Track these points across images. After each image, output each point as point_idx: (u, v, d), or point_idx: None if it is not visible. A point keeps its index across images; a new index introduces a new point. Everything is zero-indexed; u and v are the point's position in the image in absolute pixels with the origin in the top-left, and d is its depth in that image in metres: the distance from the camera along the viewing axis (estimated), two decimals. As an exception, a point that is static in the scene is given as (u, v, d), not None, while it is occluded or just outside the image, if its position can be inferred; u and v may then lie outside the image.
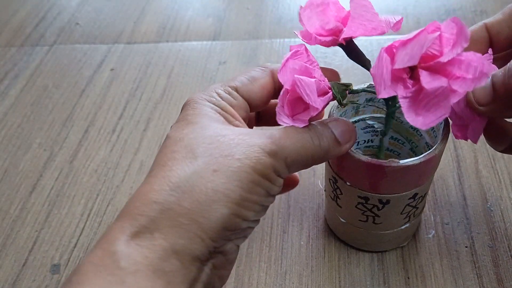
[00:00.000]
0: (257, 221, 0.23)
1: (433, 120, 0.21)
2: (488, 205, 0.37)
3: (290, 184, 0.31)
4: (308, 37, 0.26)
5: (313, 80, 0.23)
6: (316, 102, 0.24)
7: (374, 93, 0.25)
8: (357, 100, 0.32)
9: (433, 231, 0.35)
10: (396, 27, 0.25)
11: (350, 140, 0.25)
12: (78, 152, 0.44)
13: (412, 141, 0.34)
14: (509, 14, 0.28)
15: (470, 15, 0.55)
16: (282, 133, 0.23)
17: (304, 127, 0.24)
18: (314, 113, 0.24)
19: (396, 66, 0.21)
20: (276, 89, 0.27)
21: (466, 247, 0.34)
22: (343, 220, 0.33)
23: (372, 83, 0.25)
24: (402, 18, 0.25)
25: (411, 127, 0.33)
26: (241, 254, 0.35)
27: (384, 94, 0.22)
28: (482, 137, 0.41)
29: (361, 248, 0.35)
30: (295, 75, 0.23)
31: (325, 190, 0.35)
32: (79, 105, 0.49)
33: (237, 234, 0.22)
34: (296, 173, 0.31)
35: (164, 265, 0.19)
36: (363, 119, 0.34)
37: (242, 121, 0.25)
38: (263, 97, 0.27)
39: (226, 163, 0.21)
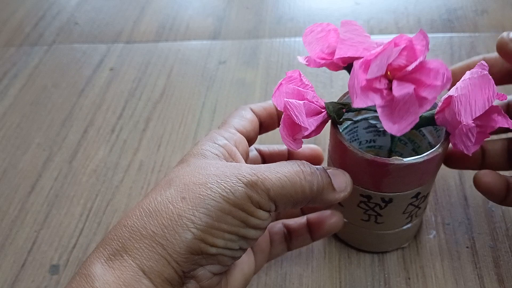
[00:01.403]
0: (237, 251, 0.23)
1: (406, 126, 0.23)
2: (489, 206, 0.37)
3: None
4: (309, 62, 0.28)
5: (301, 102, 0.25)
6: (305, 122, 0.25)
7: (374, 110, 0.27)
8: (354, 117, 0.32)
9: (434, 232, 0.35)
10: None
11: (345, 190, 0.26)
12: (77, 152, 0.44)
13: (414, 141, 0.33)
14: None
15: (471, 15, 0.55)
16: (269, 165, 0.24)
17: (296, 164, 0.24)
18: (305, 132, 0.25)
19: (368, 77, 0.23)
20: (260, 121, 0.30)
21: (467, 247, 0.34)
22: (344, 220, 0.33)
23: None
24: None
25: (414, 127, 0.32)
26: (241, 254, 0.35)
27: (357, 103, 0.23)
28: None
29: (361, 249, 0.35)
30: (285, 99, 0.25)
31: None
32: (78, 105, 0.49)
33: (208, 260, 0.22)
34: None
35: (136, 285, 0.20)
36: (366, 119, 0.34)
37: (240, 157, 0.27)
38: (255, 129, 0.29)
39: (196, 191, 0.22)
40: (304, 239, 0.31)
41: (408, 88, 0.23)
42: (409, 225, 0.32)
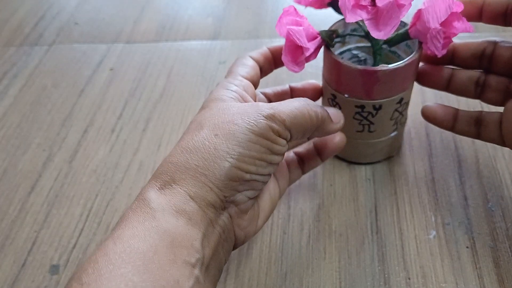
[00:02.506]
0: (266, 176, 0.27)
1: (390, 29, 0.29)
2: (489, 206, 0.37)
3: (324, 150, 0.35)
4: (300, 0, 0.35)
5: (301, 28, 0.31)
6: (306, 44, 0.31)
7: (359, 36, 0.35)
8: (344, 39, 0.38)
9: (434, 232, 0.35)
10: None
11: (339, 122, 0.32)
12: (77, 152, 0.44)
13: (390, 63, 0.36)
14: None
15: (471, 15, 0.55)
16: (280, 102, 0.28)
17: (302, 100, 0.29)
18: (307, 53, 0.31)
19: None
20: (259, 66, 0.34)
21: (467, 247, 0.34)
22: None
23: (355, 27, 0.36)
24: None
25: (390, 51, 0.38)
26: (241, 254, 0.35)
27: (349, 18, 0.29)
28: (483, 142, 0.41)
29: (357, 161, 0.40)
30: (287, 26, 0.31)
31: None
32: (78, 105, 0.49)
33: (243, 186, 0.26)
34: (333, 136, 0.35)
35: (185, 206, 0.24)
36: (349, 49, 0.39)
37: (251, 100, 0.31)
38: (257, 74, 0.33)
39: (226, 127, 0.26)
40: (314, 161, 0.35)
41: None
42: (395, 133, 0.38)
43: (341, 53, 0.39)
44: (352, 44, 0.39)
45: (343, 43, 0.38)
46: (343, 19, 0.34)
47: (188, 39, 0.56)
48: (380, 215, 0.37)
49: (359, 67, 0.32)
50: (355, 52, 0.39)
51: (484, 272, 0.33)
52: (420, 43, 0.33)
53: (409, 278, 0.33)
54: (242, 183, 0.26)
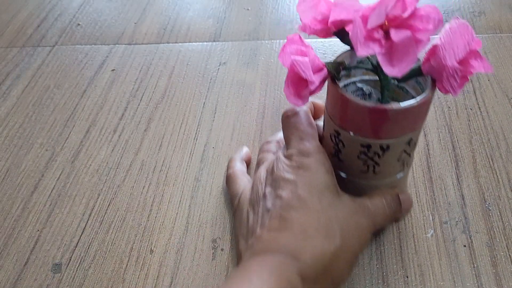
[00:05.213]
0: None
1: (405, 66, 0.26)
2: (487, 205, 0.37)
3: None
4: (304, 28, 0.31)
5: (306, 59, 0.28)
6: (312, 76, 0.29)
7: (366, 69, 0.32)
8: (349, 71, 0.35)
9: (432, 231, 0.36)
10: None
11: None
12: (80, 152, 0.44)
13: (398, 99, 0.34)
14: None
15: (469, 16, 0.56)
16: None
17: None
18: (312, 87, 0.29)
19: (369, 26, 0.26)
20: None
21: (465, 246, 0.35)
22: (343, 175, 0.35)
23: (362, 59, 0.32)
24: None
25: (398, 86, 0.35)
26: (241, 253, 0.35)
27: (361, 51, 0.26)
28: (481, 138, 0.42)
29: None
30: (292, 56, 0.28)
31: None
32: (81, 106, 0.49)
33: None
34: None
35: None
36: (354, 82, 0.36)
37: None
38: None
39: None
40: None
41: (406, 32, 0.26)
42: (401, 174, 0.35)
43: (345, 85, 0.36)
44: (357, 76, 0.36)
45: (348, 75, 0.36)
46: (349, 50, 0.32)
47: (189, 41, 0.57)
48: (379, 214, 0.37)
49: (368, 104, 0.29)
50: (359, 85, 0.37)
51: (482, 271, 0.33)
52: (433, 80, 0.30)
53: (407, 277, 0.33)
54: None
